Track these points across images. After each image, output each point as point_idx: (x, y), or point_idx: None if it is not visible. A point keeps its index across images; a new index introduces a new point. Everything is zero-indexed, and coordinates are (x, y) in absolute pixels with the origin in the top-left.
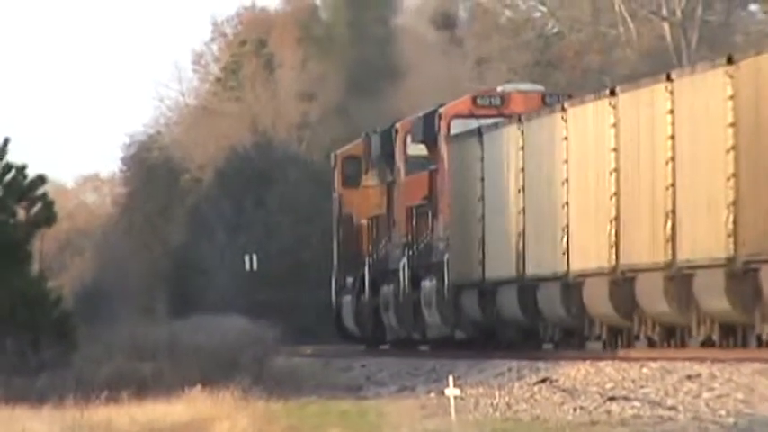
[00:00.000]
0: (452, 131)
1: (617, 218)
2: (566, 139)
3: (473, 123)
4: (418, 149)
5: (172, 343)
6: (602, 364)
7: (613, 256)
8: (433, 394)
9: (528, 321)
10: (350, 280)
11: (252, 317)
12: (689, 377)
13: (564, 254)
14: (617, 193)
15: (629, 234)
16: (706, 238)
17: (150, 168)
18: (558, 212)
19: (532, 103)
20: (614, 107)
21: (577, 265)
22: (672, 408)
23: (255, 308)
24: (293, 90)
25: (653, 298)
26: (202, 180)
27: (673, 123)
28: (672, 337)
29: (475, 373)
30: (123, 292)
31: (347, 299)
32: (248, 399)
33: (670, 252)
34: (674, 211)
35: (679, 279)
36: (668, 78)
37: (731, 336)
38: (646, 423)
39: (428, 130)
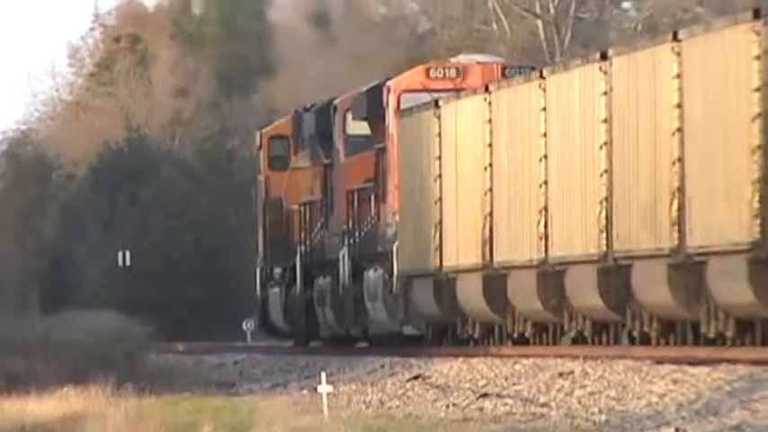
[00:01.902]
0: (402, 107)
1: (608, 198)
2: (544, 110)
3: (425, 98)
4: (360, 127)
5: (45, 338)
6: (474, 360)
7: (603, 242)
8: (305, 391)
9: (495, 315)
10: (278, 271)
11: (125, 313)
12: (561, 374)
13: (542, 239)
14: (608, 171)
15: (624, 216)
16: (724, 221)
17: (23, 164)
18: (535, 192)
19: (492, 75)
20: (605, 73)
21: (559, 251)
22: (544, 405)
23: (129, 304)
24: (167, 86)
25: (652, 288)
26: (76, 176)
27: (680, 89)
28: (671, 332)
29: (347, 370)
30: None
31: (275, 291)
32: (121, 395)
33: (676, 237)
34: (680, 190)
35: (687, 268)
36: (675, 38)
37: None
38: (518, 420)
39: (373, 106)
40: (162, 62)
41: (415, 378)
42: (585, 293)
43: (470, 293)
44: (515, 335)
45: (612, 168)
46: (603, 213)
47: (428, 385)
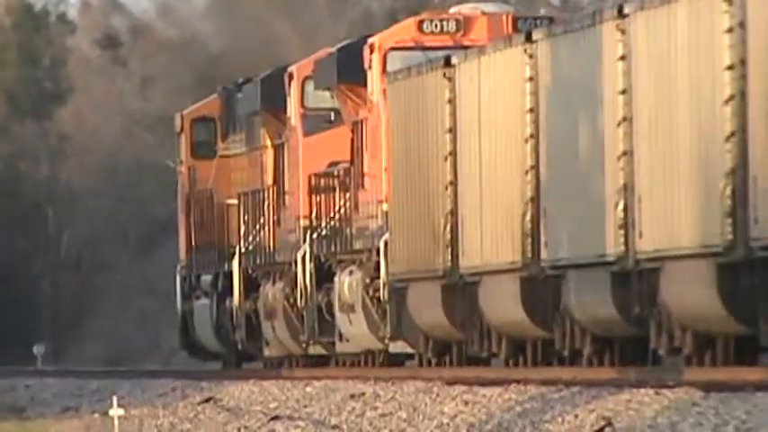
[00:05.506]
0: (389, 69)
1: (736, 170)
2: (622, 59)
3: (418, 57)
4: (323, 99)
5: None
6: (266, 383)
7: (728, 228)
8: (97, 415)
9: (538, 327)
10: (207, 278)
11: None
12: (353, 396)
13: (621, 228)
14: (735, 133)
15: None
16: None
17: None
18: (612, 167)
19: (500, 29)
20: (730, 3)
21: (649, 244)
22: (336, 427)
23: None
24: None
25: None
26: None
27: None
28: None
29: (139, 393)
30: None
31: (202, 303)
32: None
33: None
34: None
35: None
36: None
37: None
38: None
39: (347, 69)
40: None
41: (207, 401)
42: (691, 298)
43: (501, 300)
44: (566, 352)
45: (745, 128)
46: (728, 190)
47: (220, 408)
